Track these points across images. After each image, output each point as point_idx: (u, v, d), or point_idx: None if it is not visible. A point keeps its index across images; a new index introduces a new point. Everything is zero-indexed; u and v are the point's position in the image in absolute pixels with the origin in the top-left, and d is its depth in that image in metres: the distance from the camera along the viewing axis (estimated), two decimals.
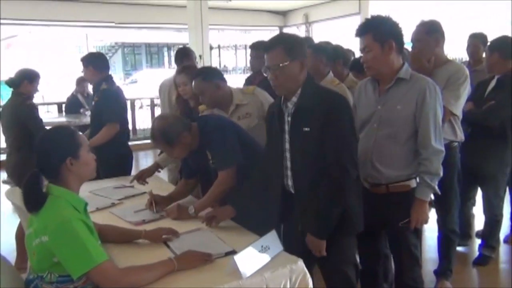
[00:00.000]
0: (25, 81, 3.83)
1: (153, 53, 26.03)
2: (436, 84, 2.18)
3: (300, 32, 11.96)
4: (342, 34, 12.20)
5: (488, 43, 3.33)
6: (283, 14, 12.53)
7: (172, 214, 2.36)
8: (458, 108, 2.72)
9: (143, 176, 2.92)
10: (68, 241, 1.51)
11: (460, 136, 2.81)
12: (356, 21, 10.34)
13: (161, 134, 2.32)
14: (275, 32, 12.74)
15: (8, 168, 3.77)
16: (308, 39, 4.25)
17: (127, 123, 3.82)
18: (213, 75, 2.80)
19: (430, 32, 2.76)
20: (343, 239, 2.07)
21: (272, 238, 1.85)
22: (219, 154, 2.40)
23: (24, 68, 3.97)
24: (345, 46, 4.20)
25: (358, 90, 2.38)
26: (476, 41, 4.26)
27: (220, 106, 2.83)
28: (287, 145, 2.03)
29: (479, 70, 3.99)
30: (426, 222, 2.21)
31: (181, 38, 15.62)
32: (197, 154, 2.48)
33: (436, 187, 2.17)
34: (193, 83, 2.80)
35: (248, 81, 3.86)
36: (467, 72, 2.76)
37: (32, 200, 1.60)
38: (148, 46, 25.29)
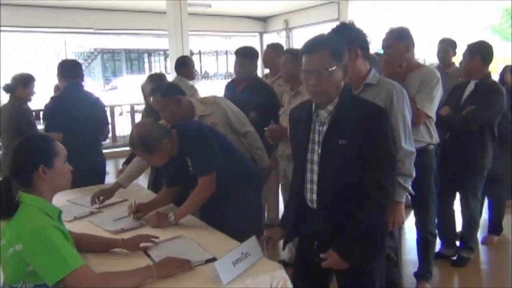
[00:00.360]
0: (19, 86, 4.13)
1: (133, 59, 25.82)
2: (402, 88, 2.22)
3: (281, 38, 12.03)
4: None
5: (467, 47, 3.37)
6: (264, 20, 12.58)
7: (151, 222, 2.33)
8: (433, 111, 2.78)
9: (101, 198, 2.70)
10: (43, 247, 1.49)
11: (436, 137, 2.86)
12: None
13: (141, 141, 2.28)
14: (255, 38, 12.80)
15: (4, 168, 3.82)
16: (277, 46, 4.29)
17: (89, 133, 3.56)
18: (172, 90, 2.75)
19: (400, 39, 2.83)
20: (373, 263, 1.90)
21: (252, 245, 1.84)
22: (199, 160, 2.38)
23: (19, 73, 4.19)
24: None
25: None
26: (446, 46, 4.42)
27: (183, 120, 2.74)
28: (313, 157, 1.84)
29: (450, 73, 4.17)
30: (402, 223, 2.23)
31: (162, 44, 15.57)
32: (176, 160, 2.45)
33: (410, 188, 2.20)
34: (151, 99, 2.74)
35: (231, 87, 3.84)
36: (439, 75, 2.83)
37: (3, 206, 1.56)
38: (128, 52, 25.07)
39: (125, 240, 2.00)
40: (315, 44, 1.76)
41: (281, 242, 2.24)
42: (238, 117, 2.96)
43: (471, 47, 3.32)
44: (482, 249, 3.79)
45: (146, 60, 25.87)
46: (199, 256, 1.87)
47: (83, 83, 3.67)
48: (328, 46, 1.73)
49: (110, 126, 5.12)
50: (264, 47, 12.18)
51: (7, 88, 4.15)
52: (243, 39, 12.89)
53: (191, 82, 4.87)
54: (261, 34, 12.78)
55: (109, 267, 1.80)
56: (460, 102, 3.28)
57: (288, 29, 11.84)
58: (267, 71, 4.35)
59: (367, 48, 2.20)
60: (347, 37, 2.10)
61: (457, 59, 4.47)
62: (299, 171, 1.91)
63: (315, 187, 1.85)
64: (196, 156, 2.39)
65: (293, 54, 3.24)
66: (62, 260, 1.48)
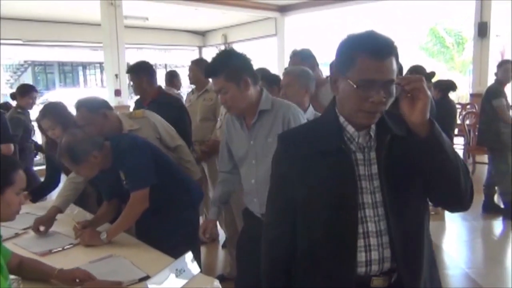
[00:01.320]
0: (18, 96, 4.62)
1: (67, 72, 24.78)
2: (297, 107, 2.16)
3: None
4: (260, 54, 12.56)
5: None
6: (202, 34, 12.62)
7: (83, 240, 2.24)
8: None
9: (42, 229, 2.49)
10: None
11: None
12: (273, 42, 10.68)
13: (67, 151, 2.20)
14: (194, 52, 12.79)
15: None
16: (201, 61, 4.42)
17: None
18: (98, 105, 2.65)
19: (305, 59, 3.06)
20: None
21: (187, 260, 1.82)
22: (132, 175, 2.32)
23: (21, 83, 4.40)
24: (263, 65, 4.37)
25: (226, 126, 2.29)
26: None
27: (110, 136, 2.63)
28: (367, 198, 1.28)
29: None
30: None
31: (97, 56, 15.13)
32: (110, 174, 2.39)
33: None
34: (76, 114, 2.63)
35: (138, 103, 3.79)
36: None
37: None
38: (61, 64, 24.06)
39: (61, 272, 1.82)
40: (385, 47, 1.22)
41: (220, 256, 2.22)
42: (168, 132, 2.92)
43: (413, 69, 3.74)
44: None
45: (81, 73, 24.96)
46: (131, 275, 1.81)
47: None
48: (394, 51, 1.24)
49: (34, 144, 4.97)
50: None
51: (12, 96, 4.80)
52: (181, 52, 12.85)
53: (177, 91, 5.41)
54: (200, 48, 12.82)
55: None
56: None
57: (227, 43, 11.95)
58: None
59: (255, 73, 2.10)
60: (232, 65, 2.01)
61: None
62: (347, 229, 1.27)
63: (374, 241, 1.27)
64: (129, 170, 2.32)
65: None
66: None
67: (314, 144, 1.31)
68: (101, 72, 22.31)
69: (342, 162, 1.27)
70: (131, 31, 9.30)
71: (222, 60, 2.05)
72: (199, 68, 4.12)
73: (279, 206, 1.41)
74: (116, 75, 7.57)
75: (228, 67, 2.02)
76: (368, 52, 1.19)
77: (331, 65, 1.34)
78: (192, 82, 4.21)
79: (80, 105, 2.61)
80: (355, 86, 1.20)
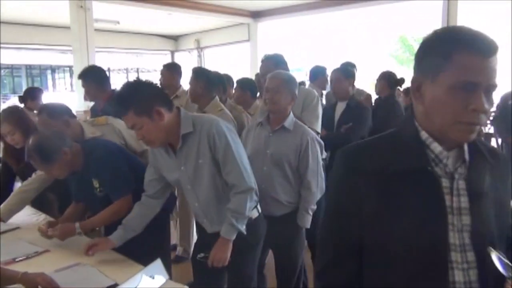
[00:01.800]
0: (29, 100, 4.86)
1: (35, 75, 24.19)
2: (220, 120, 2.06)
3: (192, 56, 12.07)
4: (233, 59, 12.60)
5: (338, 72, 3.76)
6: (175, 38, 12.54)
7: (59, 235, 2.20)
8: (319, 127, 3.02)
9: None
10: None
11: (324, 153, 3.01)
12: (246, 48, 10.72)
13: (37, 150, 2.13)
14: (167, 56, 12.69)
15: None
16: (171, 66, 4.42)
17: None
18: (60, 111, 2.60)
19: (277, 64, 3.09)
20: None
21: (157, 267, 1.79)
22: (114, 183, 2.29)
23: (29, 86, 4.30)
24: (237, 70, 4.41)
25: (153, 155, 2.17)
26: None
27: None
28: (456, 238, 1.00)
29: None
30: (224, 262, 2.02)
31: (66, 60, 14.85)
32: (81, 179, 2.34)
33: (242, 228, 2.02)
34: (37, 120, 2.58)
35: (94, 108, 3.76)
36: (316, 93, 3.15)
37: None
38: (28, 67, 23.48)
39: (25, 275, 1.73)
40: (492, 42, 0.96)
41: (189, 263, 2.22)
42: (133, 136, 2.86)
43: (383, 75, 3.78)
44: None
45: (49, 76, 24.40)
46: (99, 283, 1.78)
47: None
48: (498, 49, 0.98)
49: None
50: None
51: (20, 99, 5.02)
52: (153, 57, 12.73)
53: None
54: (172, 52, 12.72)
55: None
56: (333, 122, 3.58)
57: (199, 48, 11.92)
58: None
59: (167, 100, 1.98)
60: (138, 99, 1.87)
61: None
62: (434, 278, 1.00)
63: None
64: (108, 179, 2.29)
65: (197, 73, 3.26)
66: None
67: (389, 162, 1.03)
68: (71, 75, 21.87)
69: (427, 188, 1.00)
70: (102, 34, 9.15)
71: (127, 96, 1.90)
72: (171, 73, 4.11)
73: (341, 241, 1.10)
74: None
75: (135, 102, 1.87)
76: (472, 47, 0.94)
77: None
78: (163, 87, 4.19)
79: (42, 111, 2.58)
80: (453, 89, 0.94)
